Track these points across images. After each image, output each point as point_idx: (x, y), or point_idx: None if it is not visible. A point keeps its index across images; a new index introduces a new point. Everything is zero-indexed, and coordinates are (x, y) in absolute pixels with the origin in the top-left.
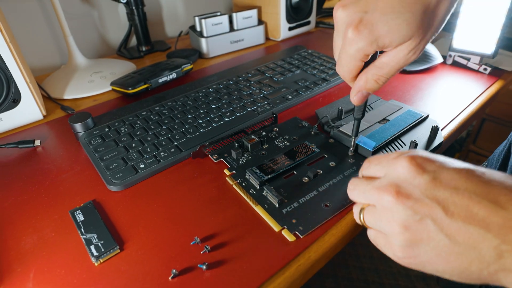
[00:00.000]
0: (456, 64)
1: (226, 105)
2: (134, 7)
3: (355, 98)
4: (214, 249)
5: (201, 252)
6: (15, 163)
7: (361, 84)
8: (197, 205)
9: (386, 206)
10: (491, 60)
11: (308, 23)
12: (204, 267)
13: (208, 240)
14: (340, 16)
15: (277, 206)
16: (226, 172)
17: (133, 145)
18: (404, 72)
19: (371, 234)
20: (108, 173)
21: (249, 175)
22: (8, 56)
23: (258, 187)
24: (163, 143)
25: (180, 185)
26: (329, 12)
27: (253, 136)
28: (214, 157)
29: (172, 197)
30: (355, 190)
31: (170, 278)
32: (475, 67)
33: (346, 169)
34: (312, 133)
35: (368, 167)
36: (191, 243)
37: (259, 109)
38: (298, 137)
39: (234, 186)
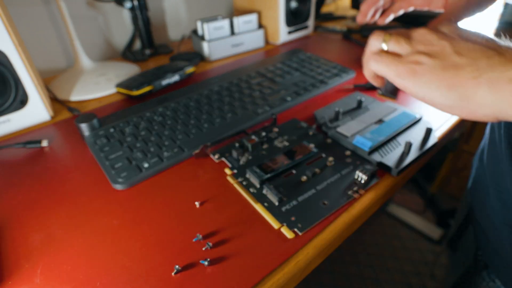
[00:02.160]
0: None
1: (227, 106)
2: (138, 12)
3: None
4: (215, 246)
5: (203, 249)
6: (23, 163)
7: None
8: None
9: (428, 37)
10: None
11: (307, 27)
12: (206, 263)
13: (210, 237)
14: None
15: (277, 204)
16: (227, 171)
17: (137, 145)
18: None
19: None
20: (113, 172)
21: (249, 174)
22: (17, 59)
23: (258, 186)
24: (166, 143)
25: (183, 184)
26: (326, 17)
27: (253, 137)
28: (216, 157)
29: (174, 196)
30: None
31: (173, 273)
32: None
33: (343, 168)
34: (311, 133)
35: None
36: (193, 240)
37: (259, 110)
38: (297, 138)
39: (235, 185)
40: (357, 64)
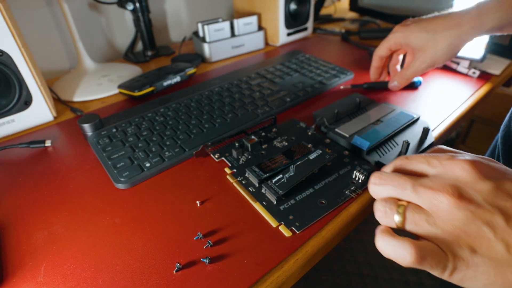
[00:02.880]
0: (446, 68)
1: (228, 107)
2: (140, 14)
3: (391, 85)
4: (216, 244)
5: (204, 247)
6: (27, 162)
7: (394, 78)
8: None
9: (442, 208)
10: (480, 64)
11: (306, 29)
12: (206, 261)
13: (210, 236)
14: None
15: (275, 203)
16: (227, 170)
17: (139, 145)
18: None
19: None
20: (115, 171)
21: (248, 174)
22: (21, 60)
23: (257, 185)
24: (167, 143)
25: (184, 183)
26: (325, 19)
27: (253, 137)
28: (216, 156)
29: (175, 194)
30: (388, 184)
31: (174, 271)
32: (465, 71)
33: (341, 168)
34: (309, 133)
35: (409, 163)
36: (194, 238)
37: (259, 110)
38: (295, 138)
39: (234, 184)
40: (356, 65)
